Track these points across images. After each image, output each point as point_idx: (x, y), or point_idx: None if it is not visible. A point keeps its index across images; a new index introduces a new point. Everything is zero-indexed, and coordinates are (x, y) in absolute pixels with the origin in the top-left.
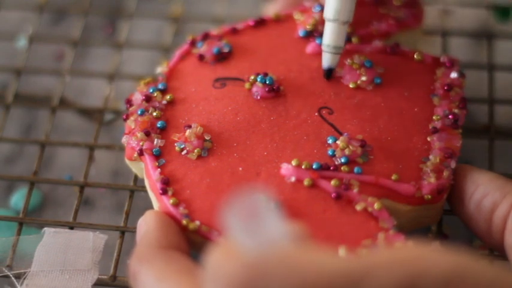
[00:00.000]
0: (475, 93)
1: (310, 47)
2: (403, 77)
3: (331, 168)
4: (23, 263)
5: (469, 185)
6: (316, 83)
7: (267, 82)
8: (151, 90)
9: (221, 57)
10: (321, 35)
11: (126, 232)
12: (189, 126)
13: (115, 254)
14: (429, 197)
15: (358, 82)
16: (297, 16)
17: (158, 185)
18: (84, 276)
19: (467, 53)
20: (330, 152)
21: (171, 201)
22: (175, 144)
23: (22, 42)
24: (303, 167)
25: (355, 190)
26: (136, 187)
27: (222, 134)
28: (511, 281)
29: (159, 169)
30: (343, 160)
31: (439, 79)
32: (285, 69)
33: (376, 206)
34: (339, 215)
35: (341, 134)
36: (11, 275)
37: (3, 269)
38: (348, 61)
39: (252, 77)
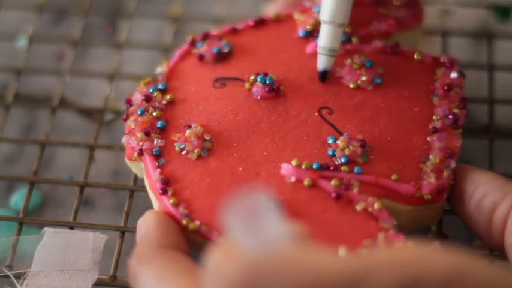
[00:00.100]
0: (475, 93)
1: (310, 47)
2: (403, 77)
3: (331, 168)
4: (23, 263)
5: (469, 185)
6: (316, 83)
7: (267, 82)
8: (151, 90)
9: (221, 57)
10: None
11: (126, 232)
12: (189, 126)
13: (115, 254)
14: (429, 197)
15: (358, 82)
16: (297, 16)
17: (158, 185)
18: (84, 276)
19: (467, 53)
20: (330, 152)
21: (171, 201)
22: (175, 144)
23: (22, 42)
24: (303, 167)
25: (355, 190)
26: (136, 187)
27: (222, 134)
28: (511, 281)
29: (159, 169)
30: (343, 160)
31: (439, 79)
32: (285, 69)
33: (376, 206)
34: (339, 215)
35: (341, 134)
36: (11, 275)
37: (3, 269)
38: (348, 61)
39: (252, 77)
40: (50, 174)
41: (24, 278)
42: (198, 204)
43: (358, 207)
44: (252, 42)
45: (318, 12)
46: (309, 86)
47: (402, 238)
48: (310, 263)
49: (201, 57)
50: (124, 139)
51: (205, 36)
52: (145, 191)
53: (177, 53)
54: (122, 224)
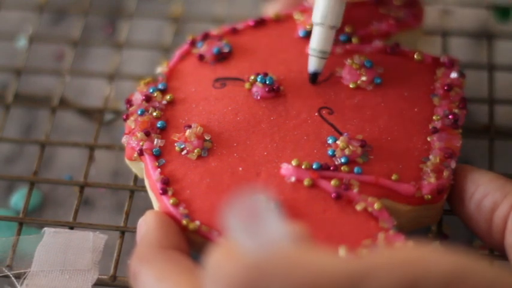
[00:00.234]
0: (475, 93)
1: None
2: (403, 77)
3: (331, 168)
4: (23, 263)
5: (469, 185)
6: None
7: (267, 82)
8: (151, 90)
9: (221, 57)
10: None
11: (126, 232)
12: (189, 126)
13: (115, 254)
14: (429, 197)
15: (358, 82)
16: (297, 16)
17: (158, 185)
18: (84, 276)
19: (467, 53)
20: (330, 152)
21: (171, 201)
22: (175, 144)
23: (22, 42)
24: (303, 167)
25: (355, 190)
26: (136, 187)
27: (222, 134)
28: (511, 281)
29: (159, 169)
30: (343, 160)
31: (439, 79)
32: (285, 69)
33: (376, 206)
34: (339, 215)
35: (341, 134)
36: (11, 275)
37: (3, 269)
38: (348, 61)
39: (252, 77)
40: (50, 174)
41: (24, 278)
42: (198, 204)
43: (358, 207)
44: (252, 42)
45: None
46: (309, 86)
47: (402, 238)
48: (311, 263)
49: (201, 57)
50: (124, 139)
51: (205, 36)
52: (145, 191)
53: (177, 53)
54: (122, 224)
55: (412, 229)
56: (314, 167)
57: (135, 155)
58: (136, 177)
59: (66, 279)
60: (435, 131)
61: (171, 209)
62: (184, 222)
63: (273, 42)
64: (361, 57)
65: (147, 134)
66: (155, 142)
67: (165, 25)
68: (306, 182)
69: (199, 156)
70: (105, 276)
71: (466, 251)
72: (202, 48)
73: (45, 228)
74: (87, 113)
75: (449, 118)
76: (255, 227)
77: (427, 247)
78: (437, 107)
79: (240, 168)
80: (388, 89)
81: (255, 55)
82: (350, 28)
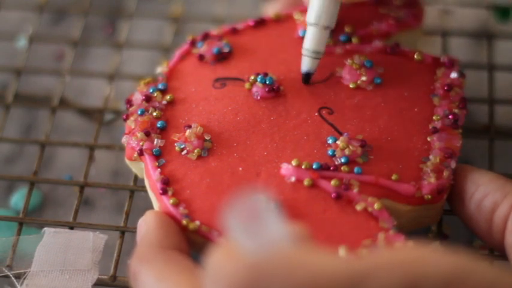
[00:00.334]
0: (475, 93)
1: None
2: (403, 77)
3: (331, 168)
4: (23, 263)
5: (470, 185)
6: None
7: (267, 82)
8: (151, 90)
9: (221, 57)
10: None
11: (126, 232)
12: (189, 126)
13: (115, 254)
14: (429, 197)
15: (358, 82)
16: (297, 16)
17: (158, 185)
18: (84, 276)
19: (467, 53)
20: (330, 152)
21: (171, 201)
22: (175, 144)
23: (22, 42)
24: (303, 167)
25: (355, 190)
26: (136, 187)
27: (222, 134)
28: (511, 281)
29: (159, 169)
30: (343, 160)
31: (439, 79)
32: (285, 69)
33: (376, 206)
34: (339, 215)
35: (341, 134)
36: (11, 275)
37: (3, 269)
38: (348, 61)
39: (252, 77)
40: (50, 174)
41: (24, 278)
42: (198, 204)
43: (358, 207)
44: (252, 42)
45: None
46: (309, 86)
47: (402, 238)
48: (311, 263)
49: (201, 57)
50: (124, 139)
51: (205, 36)
52: (145, 191)
53: (177, 53)
54: (122, 224)
55: (412, 229)
56: (314, 167)
57: (135, 155)
58: (136, 177)
59: (66, 279)
60: (435, 131)
61: (171, 209)
62: (184, 222)
63: (273, 42)
64: (361, 57)
65: (147, 134)
66: (155, 142)
67: (165, 25)
68: (306, 182)
69: (199, 156)
70: (105, 276)
71: (466, 251)
72: (202, 48)
73: (45, 228)
74: (87, 113)
75: (449, 118)
76: (255, 227)
77: (427, 247)
78: (437, 107)
79: (240, 168)
80: (388, 89)
81: (255, 55)
82: (350, 28)
